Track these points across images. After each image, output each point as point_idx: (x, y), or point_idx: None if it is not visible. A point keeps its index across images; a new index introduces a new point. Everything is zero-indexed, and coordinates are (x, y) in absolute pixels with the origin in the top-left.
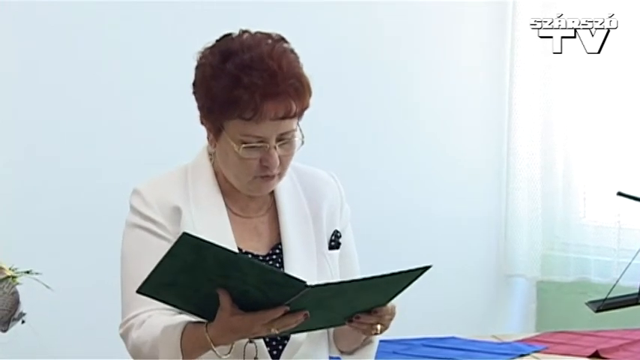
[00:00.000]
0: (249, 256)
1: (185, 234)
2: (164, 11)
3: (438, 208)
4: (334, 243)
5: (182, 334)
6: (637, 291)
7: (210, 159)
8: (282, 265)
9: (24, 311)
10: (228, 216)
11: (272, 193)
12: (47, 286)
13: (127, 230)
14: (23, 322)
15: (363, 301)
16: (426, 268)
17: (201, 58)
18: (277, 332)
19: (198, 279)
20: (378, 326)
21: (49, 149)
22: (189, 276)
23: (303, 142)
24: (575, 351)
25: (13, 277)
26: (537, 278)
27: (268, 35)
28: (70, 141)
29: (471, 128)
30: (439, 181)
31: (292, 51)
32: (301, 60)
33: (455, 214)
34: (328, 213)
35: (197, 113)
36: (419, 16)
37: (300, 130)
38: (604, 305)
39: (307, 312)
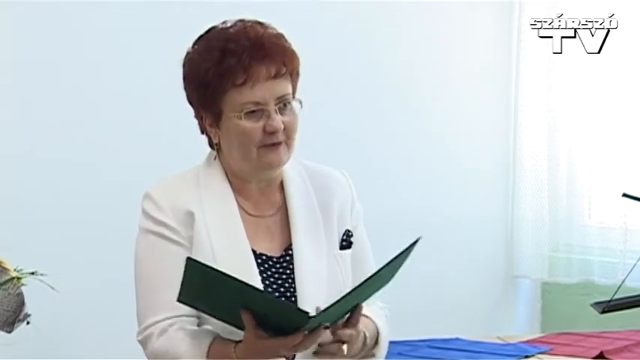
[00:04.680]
0: (264, 257)
1: (189, 259)
2: (176, 14)
3: (444, 210)
4: (345, 243)
5: (209, 350)
6: None
7: (217, 159)
8: (292, 269)
9: (29, 312)
10: (241, 217)
11: (282, 190)
12: (52, 287)
13: (141, 236)
14: (28, 323)
15: (369, 292)
16: (416, 241)
17: (186, 55)
18: (302, 352)
19: (220, 299)
20: (344, 346)
21: (53, 150)
22: (211, 295)
23: (301, 105)
24: (579, 352)
25: (18, 278)
26: (542, 279)
27: (241, 19)
28: (75, 143)
29: (477, 130)
30: (446, 183)
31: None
32: (307, 61)
33: (461, 216)
34: (339, 211)
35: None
36: (425, 19)
37: (298, 100)
38: (609, 306)
39: (327, 324)
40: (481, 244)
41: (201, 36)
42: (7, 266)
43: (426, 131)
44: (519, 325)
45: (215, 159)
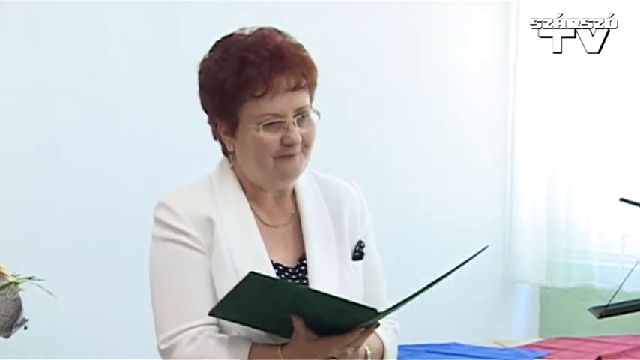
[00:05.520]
0: (280, 267)
1: (252, 273)
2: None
3: (443, 215)
4: (358, 253)
5: (250, 353)
6: (639, 297)
7: (232, 167)
8: (307, 279)
9: (26, 317)
10: (258, 226)
11: (295, 200)
12: (50, 292)
13: (158, 244)
14: (26, 328)
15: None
16: (482, 249)
17: (203, 62)
18: (352, 352)
19: (269, 308)
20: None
21: (51, 155)
22: (258, 305)
23: (319, 117)
24: (577, 357)
25: (16, 283)
26: (541, 284)
27: (260, 28)
28: (73, 146)
29: (475, 135)
30: (444, 189)
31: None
32: None
33: (460, 221)
34: (350, 222)
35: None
36: (424, 19)
37: (316, 111)
38: (607, 311)
39: (378, 322)
40: (476, 251)
41: (218, 42)
42: (5, 271)
43: (424, 136)
44: (517, 329)
45: (230, 167)
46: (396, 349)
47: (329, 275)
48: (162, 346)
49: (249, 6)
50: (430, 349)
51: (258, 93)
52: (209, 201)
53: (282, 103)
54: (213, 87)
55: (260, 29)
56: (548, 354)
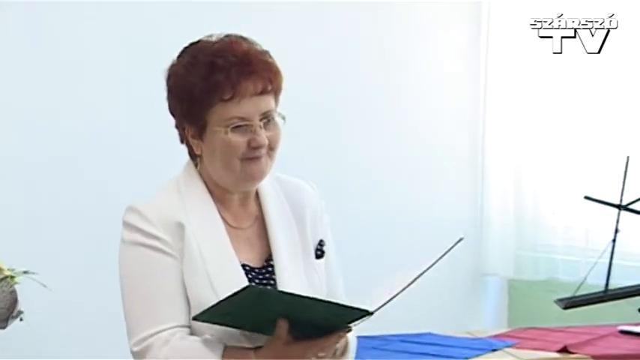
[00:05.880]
0: (247, 268)
1: (250, 287)
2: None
3: (416, 212)
4: (320, 252)
5: (223, 355)
6: (602, 289)
7: (198, 169)
8: (275, 279)
9: (22, 309)
10: (224, 228)
11: (258, 202)
12: (44, 286)
13: (128, 248)
14: (21, 319)
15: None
16: (458, 241)
17: (171, 67)
18: (323, 355)
19: (258, 315)
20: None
21: (46, 152)
22: (248, 312)
23: (284, 120)
24: (544, 346)
25: (12, 277)
26: (509, 277)
27: (227, 34)
28: (67, 144)
29: (447, 135)
30: (418, 187)
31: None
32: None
33: (431, 217)
34: (311, 222)
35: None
36: (396, 22)
37: (281, 115)
38: (571, 302)
39: (351, 326)
40: (451, 244)
41: (186, 48)
42: (1, 265)
43: (398, 136)
44: (487, 320)
45: (196, 170)
46: (356, 343)
47: (296, 275)
48: (135, 349)
49: (216, 12)
50: (405, 338)
51: (226, 97)
52: (178, 205)
53: (249, 106)
54: (182, 91)
55: (227, 36)
56: (516, 343)
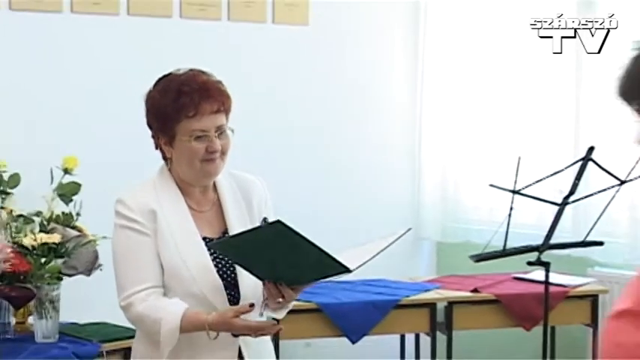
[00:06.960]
0: (207, 240)
1: (279, 222)
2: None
3: (367, 198)
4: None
5: (184, 313)
6: (502, 248)
7: (169, 169)
8: None
9: (101, 262)
10: (189, 212)
11: (216, 191)
12: None
13: (117, 231)
14: (101, 270)
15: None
16: (405, 232)
17: (148, 93)
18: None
19: (265, 252)
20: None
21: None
22: (259, 247)
23: (233, 132)
24: (462, 287)
25: (94, 241)
26: (438, 240)
27: (191, 69)
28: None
29: (387, 134)
30: (366, 177)
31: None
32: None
33: (380, 202)
34: (257, 206)
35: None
36: (334, 20)
37: (231, 129)
38: (480, 257)
39: (281, 327)
40: (397, 216)
41: (160, 79)
42: (87, 232)
43: (344, 134)
44: (422, 270)
45: (168, 169)
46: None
47: None
48: (122, 303)
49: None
50: (366, 282)
51: (190, 114)
52: (153, 196)
53: (207, 122)
54: (157, 111)
55: (191, 70)
56: (442, 286)
